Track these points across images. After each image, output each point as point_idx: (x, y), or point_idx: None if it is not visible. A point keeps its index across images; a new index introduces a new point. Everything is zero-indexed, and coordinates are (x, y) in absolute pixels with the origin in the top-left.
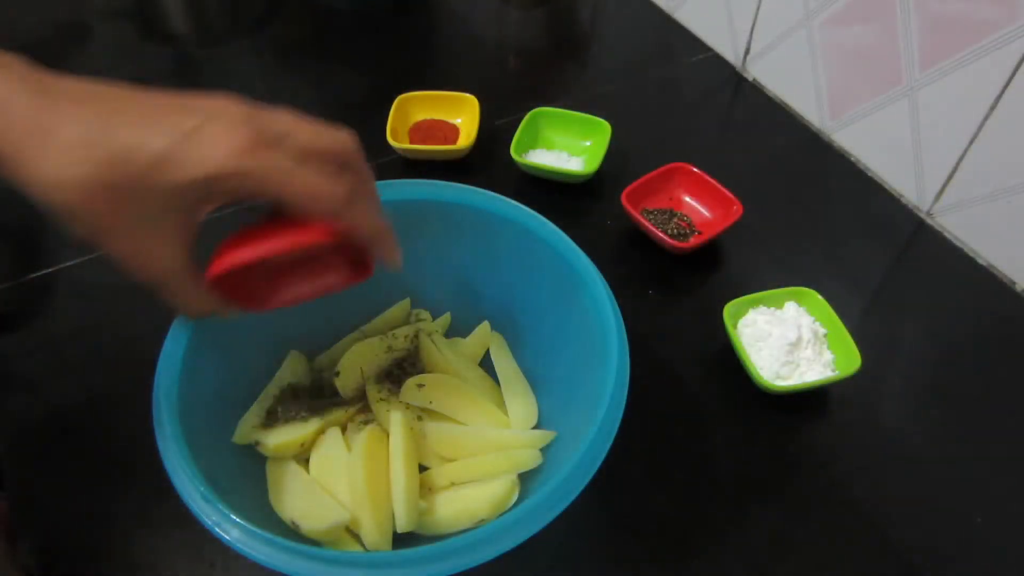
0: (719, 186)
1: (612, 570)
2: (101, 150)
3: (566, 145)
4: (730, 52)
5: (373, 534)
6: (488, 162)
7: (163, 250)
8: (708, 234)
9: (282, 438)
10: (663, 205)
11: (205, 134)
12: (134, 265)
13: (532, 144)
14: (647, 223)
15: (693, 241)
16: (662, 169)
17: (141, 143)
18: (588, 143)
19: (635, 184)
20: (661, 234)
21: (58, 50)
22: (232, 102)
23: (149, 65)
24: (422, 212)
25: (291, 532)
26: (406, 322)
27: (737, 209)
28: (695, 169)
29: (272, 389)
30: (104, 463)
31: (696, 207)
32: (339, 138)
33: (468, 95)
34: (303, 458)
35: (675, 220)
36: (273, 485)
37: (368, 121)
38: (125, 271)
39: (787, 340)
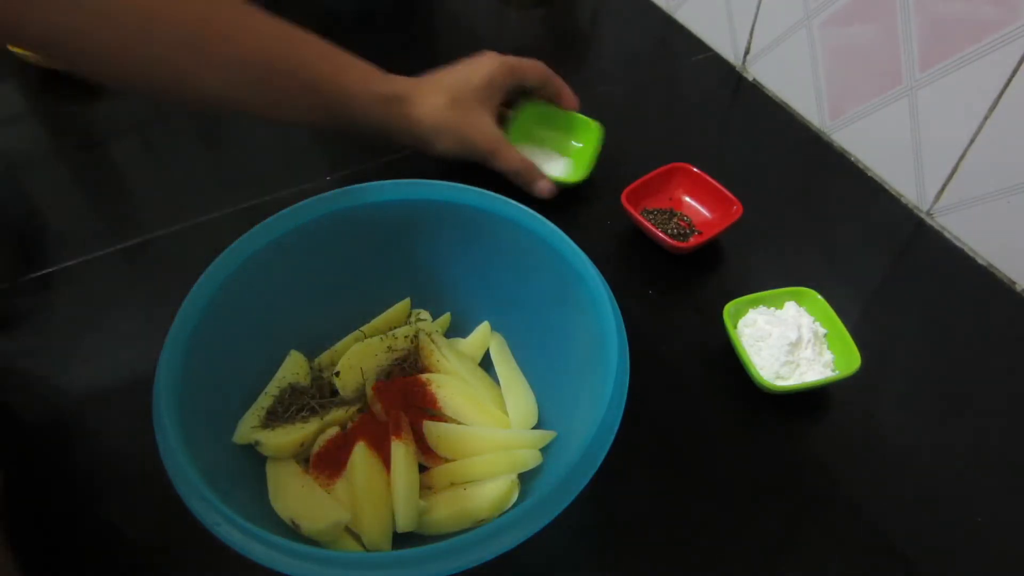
0: (719, 186)
1: (612, 570)
2: (443, 91)
3: (556, 144)
4: (730, 52)
5: (373, 534)
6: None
7: (488, 124)
8: (708, 234)
9: (282, 438)
10: (663, 205)
11: (479, 63)
12: (480, 138)
13: (522, 139)
14: (647, 223)
15: (693, 241)
16: (662, 169)
17: (457, 78)
18: (579, 144)
19: (635, 184)
20: (661, 234)
21: None
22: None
23: None
24: (422, 212)
25: (291, 532)
26: (406, 322)
27: (737, 209)
28: (695, 169)
29: (272, 389)
30: (104, 463)
31: (696, 207)
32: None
33: None
34: (303, 458)
35: (675, 220)
36: (273, 485)
37: None
38: (470, 150)
39: (787, 340)
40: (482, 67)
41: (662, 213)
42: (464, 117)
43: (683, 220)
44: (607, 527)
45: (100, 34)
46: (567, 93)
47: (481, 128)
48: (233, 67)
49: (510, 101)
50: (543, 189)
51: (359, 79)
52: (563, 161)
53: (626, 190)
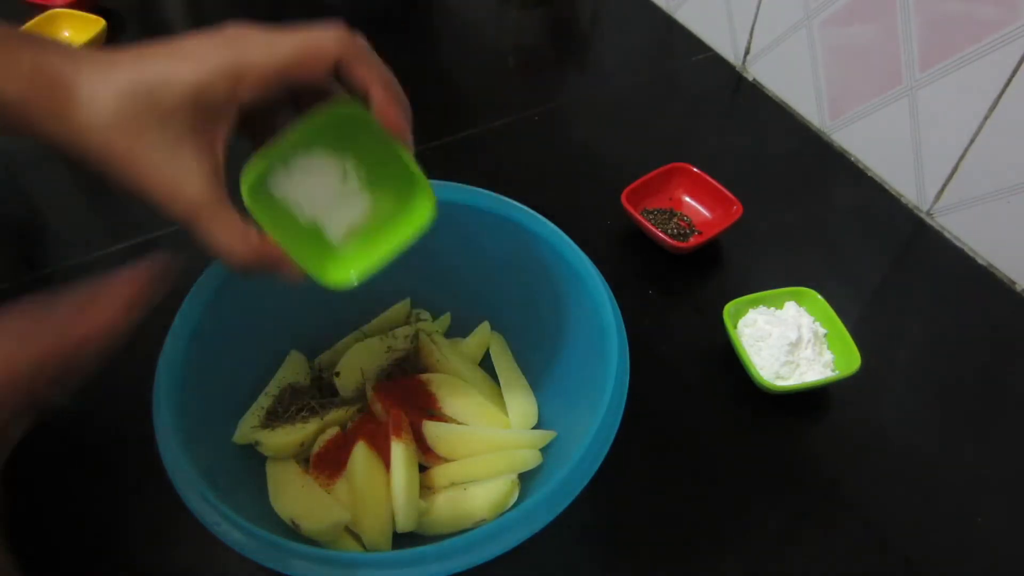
0: (719, 186)
1: (612, 570)
2: (124, 93)
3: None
4: (730, 52)
5: (373, 534)
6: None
7: (188, 168)
8: (708, 234)
9: (282, 438)
10: (663, 205)
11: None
12: (163, 191)
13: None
14: (647, 223)
15: (693, 241)
16: (662, 169)
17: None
18: (390, 208)
19: (635, 184)
20: (661, 234)
21: None
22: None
23: None
24: None
25: (291, 532)
26: (406, 322)
27: (737, 209)
28: (695, 169)
29: (272, 389)
30: (104, 463)
31: (696, 207)
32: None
33: None
34: (303, 458)
35: (675, 220)
36: (273, 485)
37: None
38: (159, 207)
39: (787, 340)
40: (209, 57)
41: (662, 213)
42: (149, 145)
43: (683, 220)
44: (607, 527)
45: None
46: (390, 109)
47: (176, 173)
48: None
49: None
50: (293, 279)
51: None
52: (360, 207)
53: (626, 190)
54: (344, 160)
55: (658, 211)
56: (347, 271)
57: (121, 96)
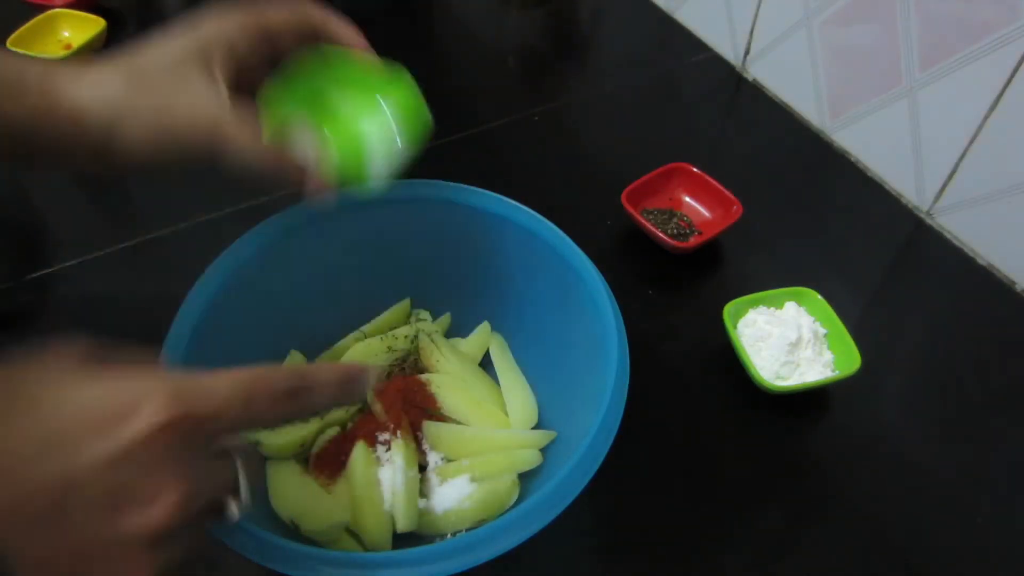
0: (719, 186)
1: (612, 571)
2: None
3: (357, 108)
4: (730, 52)
5: (373, 534)
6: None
7: (206, 93)
8: (708, 234)
9: (282, 438)
10: (663, 205)
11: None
12: (190, 113)
13: (298, 110)
14: (647, 223)
15: (693, 241)
16: (662, 169)
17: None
18: (387, 106)
19: (635, 184)
20: (661, 234)
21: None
22: None
23: None
24: (422, 212)
25: (291, 532)
26: (406, 322)
27: (737, 209)
28: (695, 169)
29: None
30: None
31: (696, 207)
32: None
33: None
34: (303, 458)
35: (675, 220)
36: (273, 485)
37: None
38: (183, 134)
39: (787, 340)
40: (201, 30)
41: (662, 213)
42: (162, 88)
43: (683, 220)
44: (607, 527)
45: None
46: (349, 34)
47: (192, 99)
48: None
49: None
50: (314, 191)
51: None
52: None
53: (626, 190)
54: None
55: (658, 211)
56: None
57: (123, 64)
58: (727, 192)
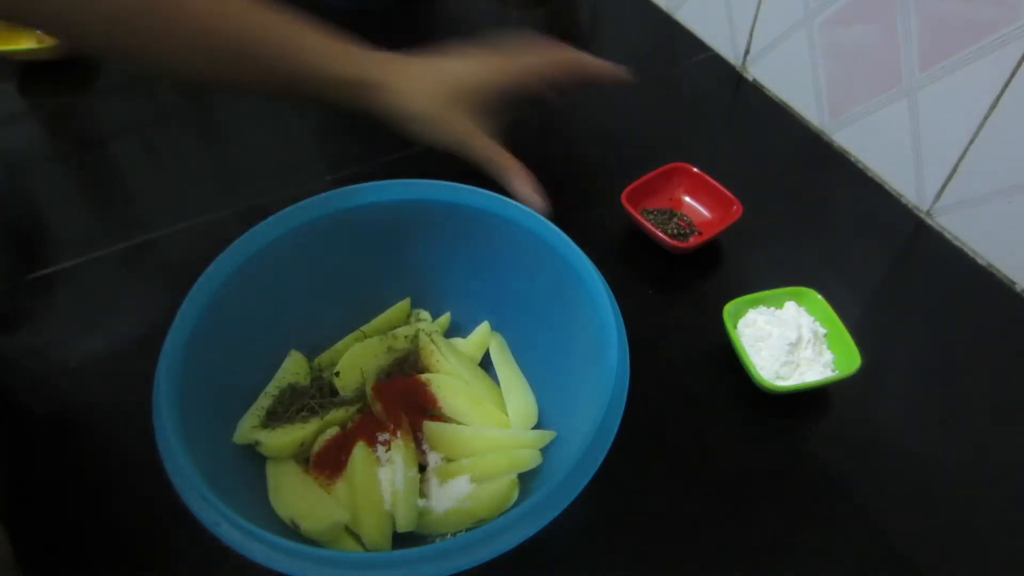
0: (719, 186)
1: (612, 570)
2: (428, 81)
3: None
4: (730, 52)
5: (373, 534)
6: None
7: (468, 120)
8: (708, 234)
9: (282, 438)
10: (663, 205)
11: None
12: (456, 130)
13: None
14: (647, 223)
15: (693, 241)
16: (662, 169)
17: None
18: None
19: (635, 184)
20: (661, 234)
21: (77, 56)
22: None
23: None
24: (422, 212)
25: (291, 532)
26: (406, 322)
27: (737, 209)
28: (695, 169)
29: (272, 389)
30: (104, 463)
31: (696, 207)
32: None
33: None
34: (303, 458)
35: (675, 220)
36: (273, 485)
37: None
38: (448, 141)
39: (787, 340)
40: (479, 68)
41: (662, 213)
42: (445, 112)
43: (683, 220)
44: (607, 527)
45: (43, 7)
46: (606, 69)
47: (459, 125)
48: (192, 41)
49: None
50: (525, 193)
51: (318, 60)
52: None
53: (626, 190)
54: None
55: (658, 211)
56: None
57: (429, 82)
58: (727, 192)
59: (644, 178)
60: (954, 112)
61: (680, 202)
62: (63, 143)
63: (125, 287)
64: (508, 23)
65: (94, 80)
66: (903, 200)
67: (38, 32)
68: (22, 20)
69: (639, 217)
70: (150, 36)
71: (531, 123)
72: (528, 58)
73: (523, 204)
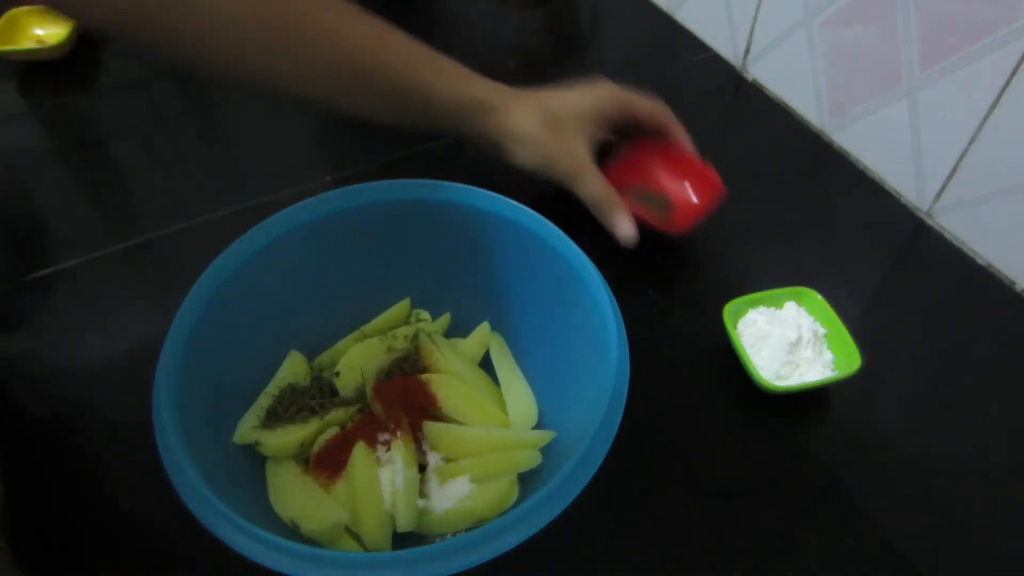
0: (697, 160)
1: (612, 570)
2: (540, 106)
3: None
4: (730, 52)
5: (373, 534)
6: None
7: (580, 149)
8: (695, 212)
9: (282, 438)
10: (649, 188)
11: (589, 89)
12: (566, 160)
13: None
14: (640, 208)
15: (683, 219)
16: (633, 147)
17: (560, 96)
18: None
19: (614, 168)
20: (653, 215)
21: (77, 56)
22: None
23: (149, 63)
24: (422, 212)
25: (291, 532)
26: (406, 322)
27: (715, 184)
28: (671, 144)
29: (272, 389)
30: (104, 463)
31: (679, 188)
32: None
33: None
34: (303, 458)
35: (658, 200)
36: (273, 485)
37: None
38: (553, 169)
39: (787, 340)
40: (590, 94)
41: (649, 196)
42: (555, 136)
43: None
44: (607, 527)
45: (186, 29)
46: (683, 140)
47: (570, 151)
48: (322, 69)
49: (618, 131)
50: (623, 230)
51: (448, 84)
52: None
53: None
54: None
55: (644, 193)
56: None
57: (540, 107)
58: (706, 168)
59: (619, 161)
60: (954, 112)
61: (661, 186)
62: (63, 143)
63: (125, 287)
64: (508, 23)
65: (94, 80)
66: (903, 200)
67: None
68: (152, 48)
69: (630, 202)
70: (287, 70)
71: None
72: (631, 95)
73: (620, 241)
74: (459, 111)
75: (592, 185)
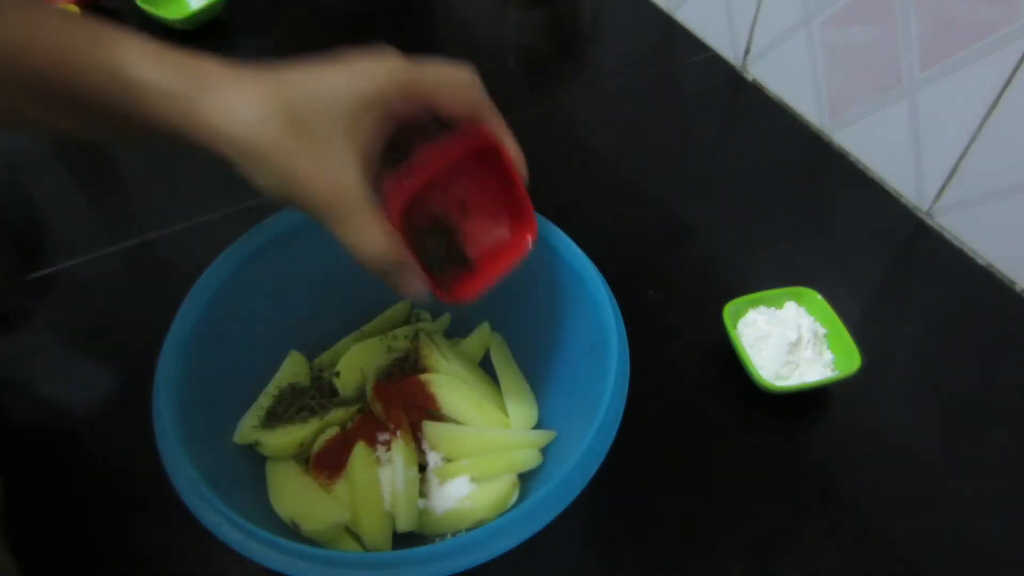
0: (520, 181)
1: (612, 570)
2: (271, 87)
3: None
4: (730, 52)
5: (373, 534)
6: None
7: (341, 167)
8: (490, 271)
9: (282, 438)
10: (445, 209)
11: (362, 66)
12: (318, 188)
13: None
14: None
15: (465, 280)
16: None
17: (308, 78)
18: None
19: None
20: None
21: None
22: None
23: None
24: None
25: (291, 532)
26: (406, 322)
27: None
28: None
29: (272, 389)
30: (104, 463)
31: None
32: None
33: None
34: (303, 458)
35: (446, 239)
36: (273, 485)
37: None
38: (299, 199)
39: (787, 340)
40: (360, 74)
41: (439, 232)
42: (300, 144)
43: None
44: (607, 527)
45: None
46: (507, 143)
47: (325, 172)
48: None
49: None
50: (414, 291)
51: (102, 61)
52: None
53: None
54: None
55: (431, 226)
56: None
57: (274, 93)
58: (526, 199)
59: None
60: (954, 112)
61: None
62: (63, 143)
63: (125, 287)
64: (508, 23)
65: None
66: (903, 200)
67: None
68: None
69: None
70: None
71: (531, 123)
72: (425, 71)
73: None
74: (151, 102)
75: (361, 233)
